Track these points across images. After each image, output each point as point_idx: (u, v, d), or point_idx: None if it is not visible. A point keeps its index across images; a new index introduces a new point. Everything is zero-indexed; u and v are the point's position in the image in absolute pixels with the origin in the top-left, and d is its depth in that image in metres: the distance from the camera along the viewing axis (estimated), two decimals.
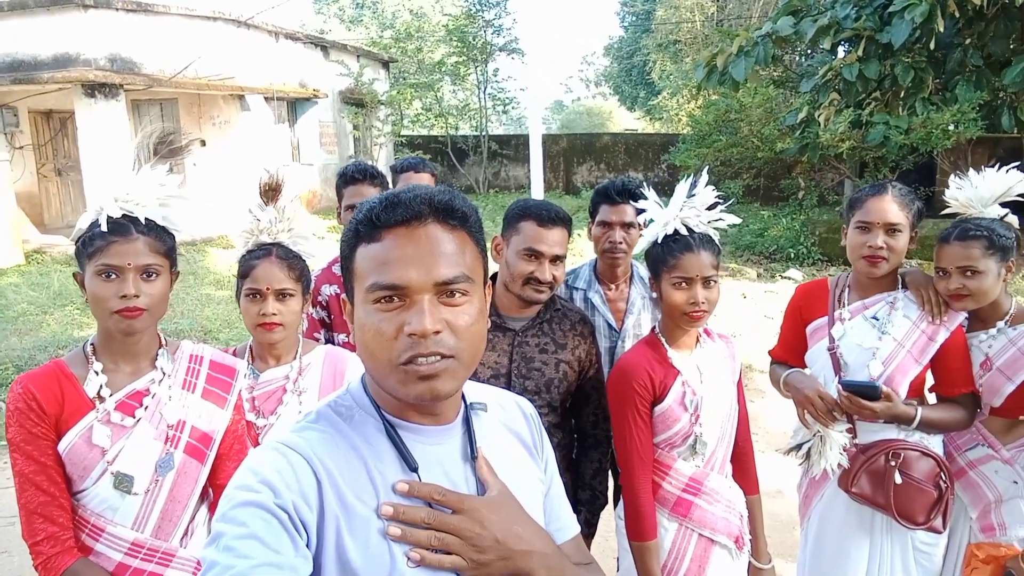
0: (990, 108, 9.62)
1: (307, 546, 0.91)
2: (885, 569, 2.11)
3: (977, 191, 2.08)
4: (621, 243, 2.41)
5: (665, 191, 1.98)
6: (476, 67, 20.58)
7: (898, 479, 1.97)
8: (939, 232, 2.11)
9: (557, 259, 2.02)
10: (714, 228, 1.91)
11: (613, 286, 2.53)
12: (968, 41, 9.39)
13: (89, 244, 1.58)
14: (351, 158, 17.25)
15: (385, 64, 19.47)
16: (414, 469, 0.99)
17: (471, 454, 1.06)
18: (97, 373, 1.63)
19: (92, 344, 1.67)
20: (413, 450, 1.00)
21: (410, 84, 19.25)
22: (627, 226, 2.42)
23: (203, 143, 12.68)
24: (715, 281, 1.87)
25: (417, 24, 22.07)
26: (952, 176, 2.15)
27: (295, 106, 15.19)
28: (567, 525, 1.22)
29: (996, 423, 2.15)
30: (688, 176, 1.94)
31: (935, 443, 2.11)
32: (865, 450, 2.06)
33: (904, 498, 1.98)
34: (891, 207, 2.04)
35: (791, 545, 3.57)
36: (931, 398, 2.20)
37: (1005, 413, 2.11)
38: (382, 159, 17.97)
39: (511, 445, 1.16)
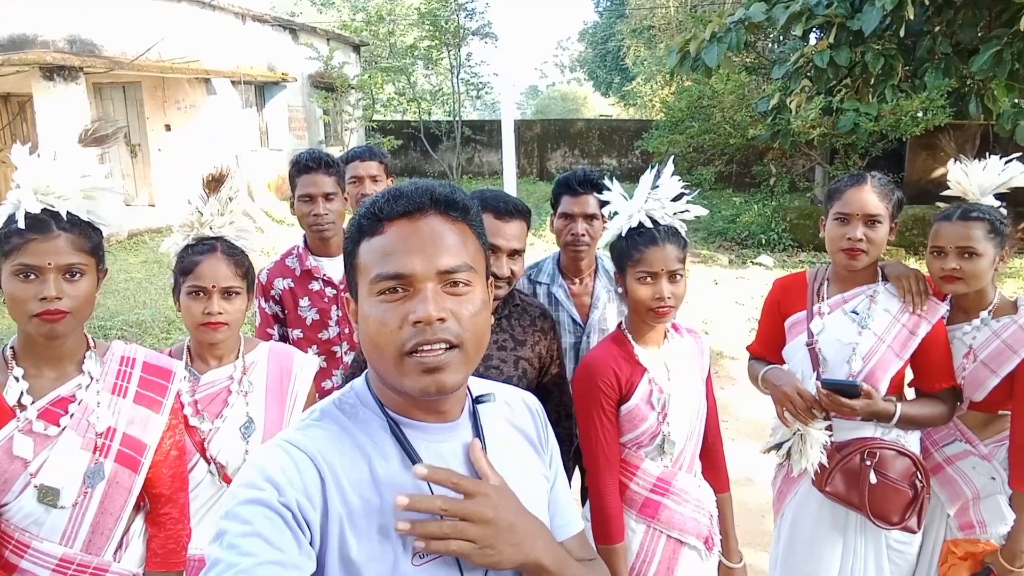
0: (958, 95, 9.70)
1: (311, 544, 0.91)
2: (858, 567, 2.08)
3: (979, 178, 2.05)
4: (584, 235, 2.33)
5: (638, 178, 1.91)
6: (449, 51, 20.32)
7: (873, 479, 1.93)
8: (935, 214, 2.08)
9: (515, 253, 1.94)
10: (681, 220, 1.85)
11: (577, 280, 2.46)
12: (937, 29, 9.46)
13: (5, 241, 1.46)
14: (321, 143, 17.00)
15: (356, 48, 19.18)
16: None
17: (481, 449, 1.05)
18: (17, 379, 1.52)
19: (12, 348, 1.56)
20: (418, 447, 1.00)
21: (382, 68, 18.97)
22: (590, 217, 2.34)
23: (168, 128, 12.39)
24: (681, 275, 1.80)
25: (389, 7, 21.71)
26: (952, 161, 2.11)
27: (263, 90, 14.90)
28: (571, 521, 1.21)
29: (974, 418, 2.12)
30: (656, 165, 1.87)
31: (912, 440, 2.07)
32: (840, 448, 2.01)
33: (879, 498, 1.94)
34: (870, 198, 1.99)
35: (760, 534, 3.57)
36: (909, 393, 2.16)
37: (985, 408, 2.08)
38: (353, 144, 17.72)
39: (516, 441, 1.15)
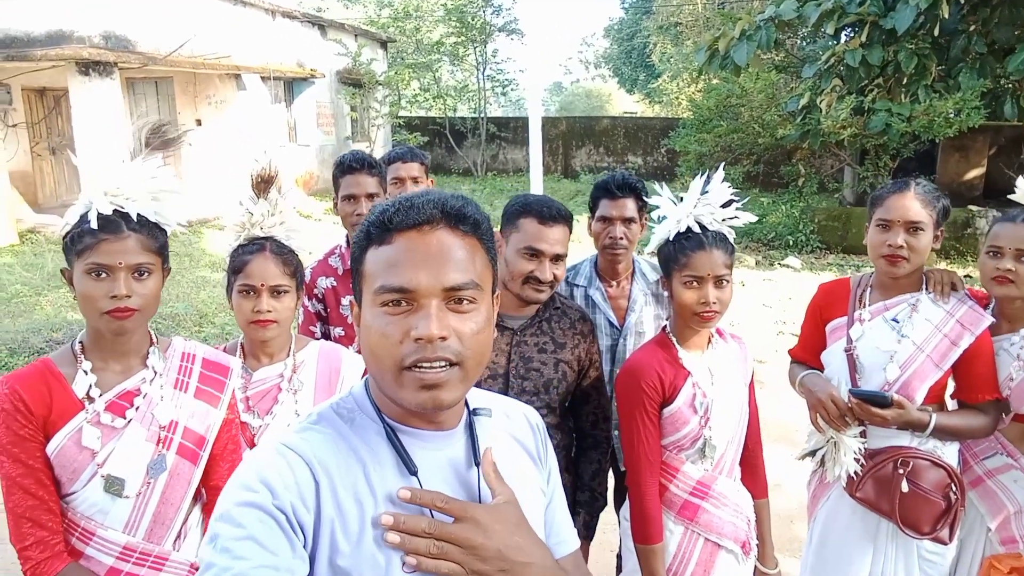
0: (993, 96, 9.56)
1: (304, 547, 0.91)
2: (888, 575, 2.08)
3: None
4: (622, 238, 2.36)
5: (664, 176, 1.96)
6: (475, 48, 20.40)
7: (905, 487, 1.93)
8: (996, 217, 2.09)
9: (558, 258, 1.97)
10: (729, 227, 1.87)
11: (614, 282, 2.48)
12: (972, 28, 9.29)
13: (78, 241, 1.52)
14: (348, 139, 17.13)
15: (383, 44, 19.28)
16: (414, 473, 0.98)
17: (474, 460, 1.05)
18: (86, 373, 1.58)
19: (80, 342, 1.62)
20: (414, 455, 0.99)
21: (408, 64, 19.06)
22: (628, 221, 2.37)
23: (199, 123, 12.55)
24: (728, 281, 1.82)
25: (416, 3, 21.81)
26: (1021, 178, 2.10)
27: (292, 86, 15.04)
28: (567, 539, 1.21)
29: (1015, 430, 2.10)
30: (692, 166, 1.90)
31: (950, 452, 2.06)
32: (873, 455, 2.02)
33: (910, 507, 1.94)
34: (913, 204, 1.98)
35: (788, 540, 3.57)
36: (951, 404, 2.14)
37: None
38: (380, 140, 17.83)
39: (515, 453, 1.14)
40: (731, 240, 1.86)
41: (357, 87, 17.04)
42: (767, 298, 8.52)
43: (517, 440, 1.16)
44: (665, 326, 1.98)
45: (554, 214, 1.95)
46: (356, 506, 0.95)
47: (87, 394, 1.57)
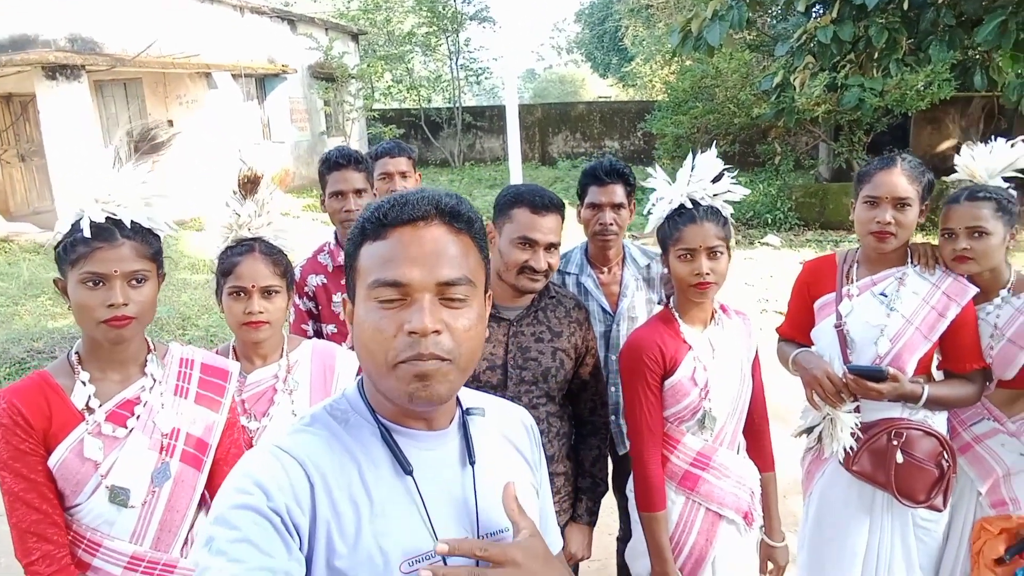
0: (963, 68, 9.67)
1: (300, 549, 0.91)
2: (885, 545, 2.13)
3: (986, 161, 2.08)
4: (612, 224, 2.37)
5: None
6: (447, 37, 20.24)
7: (899, 458, 1.98)
8: (944, 198, 2.11)
9: (552, 247, 1.98)
10: (724, 201, 1.91)
11: (606, 269, 2.49)
12: (941, 1, 9.39)
13: (71, 250, 1.50)
14: (323, 134, 16.98)
15: (354, 36, 19.08)
16: (409, 473, 0.99)
17: (468, 459, 1.05)
18: (84, 383, 1.57)
19: (77, 353, 1.61)
20: (408, 454, 1.00)
21: (380, 56, 18.89)
22: (617, 207, 2.38)
23: (171, 123, 12.37)
24: (721, 253, 1.87)
25: None
26: (964, 145, 2.14)
27: (264, 83, 14.86)
28: (555, 541, 1.25)
29: (1000, 396, 2.15)
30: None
31: (939, 421, 2.11)
32: (867, 428, 2.06)
33: (905, 477, 1.99)
34: (900, 180, 2.01)
35: (785, 515, 3.62)
36: (937, 375, 2.19)
37: (1014, 385, 2.11)
38: (355, 134, 17.69)
39: (508, 454, 1.15)
40: (725, 214, 1.90)
41: (330, 81, 16.87)
42: (749, 276, 8.60)
43: (510, 441, 1.17)
44: (668, 301, 2.02)
45: (547, 203, 1.96)
46: (352, 507, 0.95)
47: (87, 405, 1.56)
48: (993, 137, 2.14)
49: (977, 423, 2.18)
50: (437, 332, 0.93)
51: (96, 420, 1.55)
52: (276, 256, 1.93)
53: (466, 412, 1.10)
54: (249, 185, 1.95)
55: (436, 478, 1.02)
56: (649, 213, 1.99)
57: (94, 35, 10.70)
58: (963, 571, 2.20)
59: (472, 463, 1.05)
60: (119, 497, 1.55)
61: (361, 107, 17.58)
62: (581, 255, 2.51)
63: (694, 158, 1.92)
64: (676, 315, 1.97)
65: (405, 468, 0.99)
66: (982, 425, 2.18)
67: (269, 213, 1.97)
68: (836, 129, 11.36)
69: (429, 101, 20.47)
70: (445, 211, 0.98)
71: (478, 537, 1.03)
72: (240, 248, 1.91)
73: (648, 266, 2.51)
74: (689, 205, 1.88)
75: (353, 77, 17.30)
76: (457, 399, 1.09)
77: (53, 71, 9.96)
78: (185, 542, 1.66)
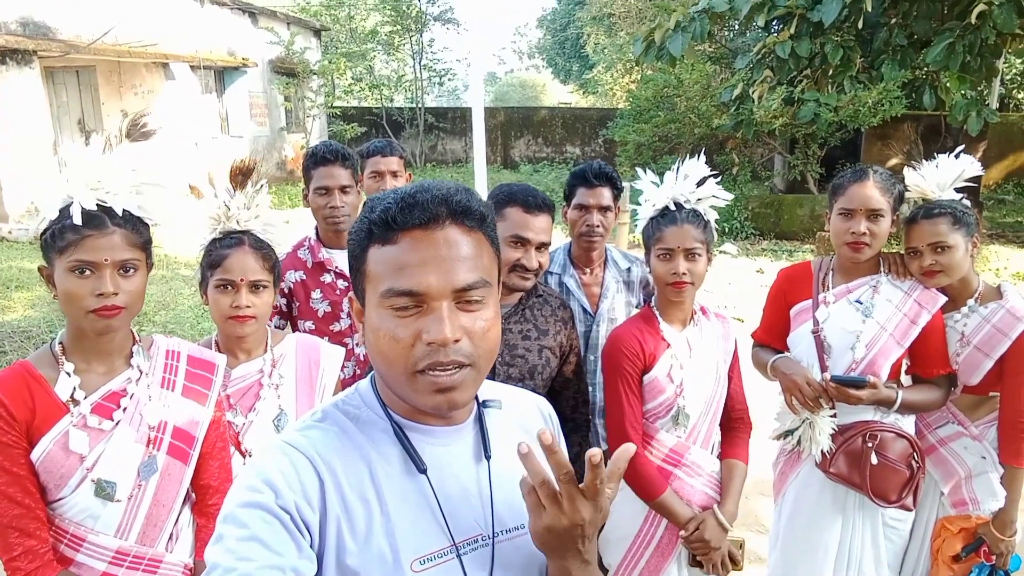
0: (913, 86, 10.05)
1: (311, 547, 0.90)
2: (856, 544, 2.20)
3: (936, 176, 2.17)
4: (598, 226, 2.41)
5: None
6: (411, 37, 20.15)
7: (874, 460, 2.05)
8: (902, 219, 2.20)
9: (543, 246, 2.01)
10: (710, 206, 1.99)
11: (588, 270, 2.53)
12: (893, 21, 9.74)
13: (59, 237, 1.46)
14: (283, 130, 16.73)
15: (316, 32, 18.85)
16: (423, 471, 0.98)
17: (484, 454, 1.05)
18: (69, 374, 1.53)
19: (61, 343, 1.56)
20: (422, 452, 0.99)
21: (342, 53, 18.70)
22: (604, 209, 2.42)
23: (125, 114, 12.04)
24: (699, 255, 1.94)
25: None
26: (906, 168, 2.23)
27: (223, 75, 14.58)
28: None
29: (965, 400, 2.25)
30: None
31: (908, 423, 2.20)
32: (842, 431, 2.13)
33: (879, 478, 2.06)
34: (873, 193, 2.09)
35: (745, 514, 3.71)
36: (905, 379, 2.27)
37: (977, 390, 2.21)
38: (315, 131, 17.47)
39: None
40: (708, 218, 1.98)
41: (291, 77, 16.63)
42: (707, 283, 8.68)
43: (527, 431, 1.15)
44: (651, 301, 2.09)
45: (539, 203, 1.99)
46: (363, 505, 0.94)
47: (71, 397, 1.52)
48: (936, 155, 2.22)
49: (942, 426, 2.28)
50: (456, 340, 0.91)
51: (81, 412, 1.52)
52: (265, 250, 1.91)
53: (483, 405, 1.09)
54: (240, 177, 1.92)
55: (450, 474, 1.01)
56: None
57: (47, 20, 10.35)
58: (924, 568, 2.30)
59: (488, 458, 1.04)
60: (105, 491, 1.51)
61: (322, 104, 17.37)
62: (564, 255, 2.55)
63: (681, 164, 1.99)
64: (657, 314, 2.04)
65: (419, 467, 0.98)
66: (947, 428, 2.27)
67: (258, 207, 1.96)
68: (792, 142, 11.68)
69: (392, 101, 20.33)
70: (457, 210, 0.95)
71: (493, 534, 1.02)
72: (229, 241, 1.88)
73: (628, 269, 2.56)
74: (673, 208, 1.96)
75: (315, 73, 17.09)
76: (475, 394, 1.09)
77: (3, 55, 9.58)
78: (171, 537, 1.63)
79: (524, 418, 1.17)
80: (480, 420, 1.07)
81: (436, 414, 0.98)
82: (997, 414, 2.19)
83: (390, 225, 0.93)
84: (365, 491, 0.95)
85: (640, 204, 2.07)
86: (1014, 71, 15.55)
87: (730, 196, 2.07)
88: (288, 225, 2.59)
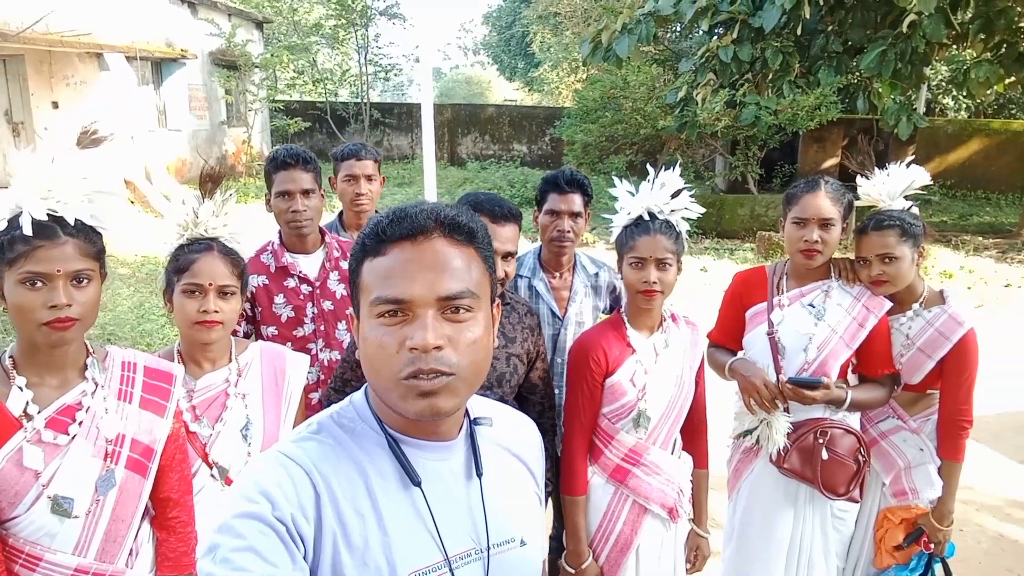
0: (847, 92, 10.44)
1: (304, 559, 0.90)
2: (807, 535, 2.30)
3: (887, 185, 2.27)
4: (569, 232, 2.44)
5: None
6: (356, 31, 19.87)
7: (824, 455, 2.15)
8: (855, 227, 2.29)
9: (508, 255, 2.02)
10: (682, 217, 2.04)
11: (557, 274, 2.56)
12: (830, 28, 10.10)
13: (8, 248, 1.40)
14: (223, 124, 16.29)
15: (259, 25, 18.39)
16: (417, 484, 0.98)
17: (476, 471, 1.05)
18: (21, 388, 1.47)
19: (12, 357, 1.50)
20: (416, 465, 0.99)
21: (285, 46, 18.30)
22: (575, 215, 2.45)
23: (55, 105, 11.53)
24: (670, 264, 1.99)
25: None
26: (859, 177, 2.33)
27: (161, 67, 14.09)
28: (543, 547, 1.27)
29: (904, 397, 2.38)
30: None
31: (853, 420, 2.31)
32: (796, 429, 2.22)
33: (829, 472, 2.16)
34: (824, 203, 2.18)
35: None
36: (851, 378, 2.38)
37: (916, 388, 2.34)
38: (257, 125, 17.08)
39: (513, 464, 1.15)
40: (679, 229, 2.02)
41: (232, 69, 16.19)
42: None
43: (515, 451, 1.16)
44: (620, 307, 2.14)
45: (505, 213, 2.00)
46: (358, 518, 0.94)
47: (24, 412, 1.46)
48: (871, 155, 2.33)
49: (883, 421, 2.40)
50: (439, 348, 0.92)
51: (35, 427, 1.46)
52: (234, 257, 1.88)
53: (474, 422, 1.10)
54: (209, 184, 1.88)
55: (444, 489, 1.01)
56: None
57: None
58: (868, 555, 2.42)
59: (479, 475, 1.05)
60: (62, 507, 1.46)
61: (264, 97, 16.97)
62: (534, 259, 2.58)
63: (657, 175, 2.04)
64: (625, 320, 2.09)
65: (413, 480, 0.98)
66: (887, 423, 2.40)
67: (227, 215, 1.92)
68: (733, 143, 12.00)
69: (336, 95, 20.01)
70: (445, 223, 0.96)
71: (487, 548, 1.03)
72: (198, 246, 1.84)
73: (596, 274, 2.60)
74: (647, 217, 2.00)
75: (257, 66, 16.67)
76: (466, 409, 1.09)
77: None
78: (131, 553, 1.59)
79: (513, 438, 1.17)
80: (472, 437, 1.08)
81: (423, 423, 0.99)
82: (933, 410, 2.33)
83: (380, 237, 0.96)
84: (360, 504, 0.95)
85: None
86: (939, 77, 16.30)
87: (702, 209, 2.11)
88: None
